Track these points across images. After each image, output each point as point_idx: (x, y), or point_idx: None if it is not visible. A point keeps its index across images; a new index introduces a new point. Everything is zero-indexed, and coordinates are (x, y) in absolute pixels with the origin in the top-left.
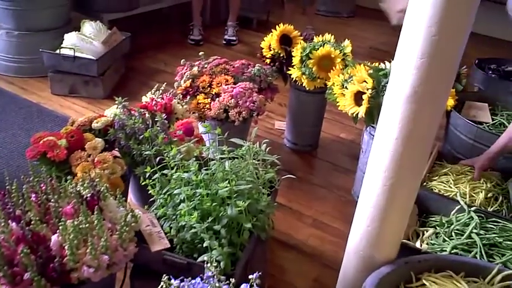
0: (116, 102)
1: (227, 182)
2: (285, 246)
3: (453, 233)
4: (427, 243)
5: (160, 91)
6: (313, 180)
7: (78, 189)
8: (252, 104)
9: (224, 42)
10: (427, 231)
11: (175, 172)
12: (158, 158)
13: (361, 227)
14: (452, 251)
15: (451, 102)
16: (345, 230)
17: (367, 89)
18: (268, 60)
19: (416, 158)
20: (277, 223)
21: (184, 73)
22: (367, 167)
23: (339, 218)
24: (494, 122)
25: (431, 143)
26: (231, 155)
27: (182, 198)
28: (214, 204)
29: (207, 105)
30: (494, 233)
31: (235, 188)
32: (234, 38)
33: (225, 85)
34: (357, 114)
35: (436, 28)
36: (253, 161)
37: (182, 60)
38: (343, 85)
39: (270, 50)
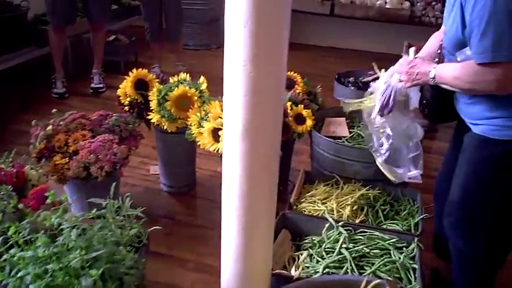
0: None
1: (78, 251)
2: None
3: (324, 252)
4: (302, 268)
5: (11, 158)
6: (193, 221)
7: None
8: (113, 157)
9: (91, 91)
10: (302, 255)
11: (22, 250)
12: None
13: (229, 265)
14: (325, 271)
15: (309, 122)
16: None
17: (222, 125)
18: (126, 108)
19: (262, 192)
20: (159, 275)
21: (38, 134)
22: (222, 205)
23: None
24: (351, 134)
25: (275, 175)
26: (91, 216)
27: (30, 279)
28: (67, 278)
29: (66, 166)
30: (362, 244)
31: (86, 257)
32: (101, 86)
33: (83, 141)
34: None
35: (250, 65)
36: (118, 217)
37: (33, 121)
38: (200, 123)
39: (127, 97)
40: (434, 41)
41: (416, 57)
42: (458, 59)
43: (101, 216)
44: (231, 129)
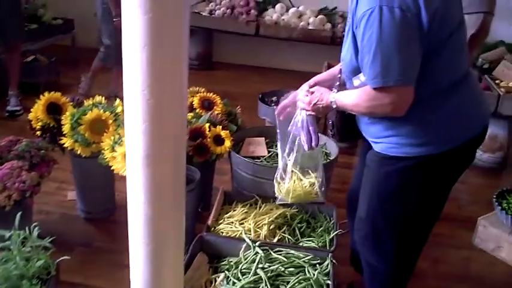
0: None
1: None
2: None
3: (240, 274)
4: None
5: None
6: (112, 247)
7: None
8: (22, 185)
9: (7, 114)
10: (218, 278)
11: None
12: None
13: None
14: None
15: (228, 143)
16: None
17: None
18: (38, 132)
19: (168, 219)
20: None
21: None
22: (129, 233)
23: None
24: (270, 154)
25: (181, 201)
26: None
27: None
28: None
29: None
30: (279, 263)
31: None
32: (18, 108)
33: None
34: None
35: (148, 91)
36: (24, 248)
37: None
38: (113, 147)
39: (39, 121)
40: (337, 66)
41: (312, 89)
42: (355, 84)
43: (5, 248)
44: (133, 155)
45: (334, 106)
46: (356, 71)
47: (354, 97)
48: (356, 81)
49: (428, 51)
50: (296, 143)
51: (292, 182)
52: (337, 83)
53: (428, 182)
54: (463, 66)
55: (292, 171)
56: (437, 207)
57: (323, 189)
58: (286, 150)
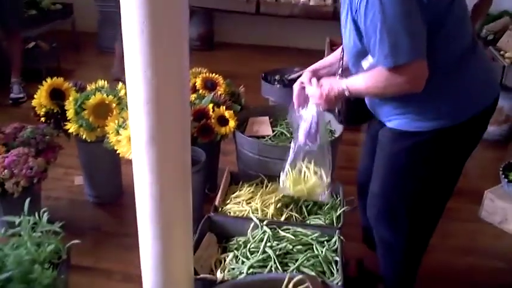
0: None
1: None
2: None
3: (249, 253)
4: (228, 270)
5: None
6: (120, 231)
7: None
8: (29, 171)
9: (11, 101)
10: (227, 257)
11: None
12: None
13: (149, 274)
14: (249, 271)
15: (232, 123)
16: None
17: None
18: (43, 119)
19: (175, 198)
20: None
21: None
22: (137, 213)
23: None
24: (275, 133)
25: (187, 180)
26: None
27: None
28: None
29: None
30: (286, 241)
31: None
32: (21, 95)
33: None
34: None
35: (151, 72)
36: (35, 234)
37: None
38: (117, 131)
39: (43, 107)
40: (332, 54)
41: (321, 82)
42: (364, 67)
43: (16, 234)
44: (137, 137)
45: (347, 93)
46: (362, 54)
47: (368, 80)
48: (365, 64)
49: (432, 23)
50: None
51: (297, 177)
52: (340, 69)
53: (441, 156)
54: (467, 35)
55: (297, 166)
56: (451, 182)
57: (329, 190)
58: (294, 145)
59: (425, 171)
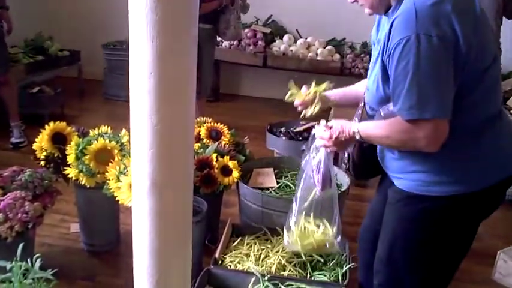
0: None
1: None
2: None
3: None
4: None
5: None
6: (115, 282)
7: None
8: (25, 215)
9: (11, 146)
10: None
11: None
12: None
13: None
14: None
15: (235, 174)
16: None
17: None
18: (42, 163)
19: (174, 250)
20: None
21: None
22: (134, 265)
23: None
24: (279, 185)
25: (188, 231)
26: None
27: None
28: None
29: None
30: None
31: None
32: (22, 140)
33: None
34: None
35: (156, 118)
36: (26, 281)
37: None
38: (118, 178)
39: (43, 151)
40: (355, 89)
41: (329, 123)
42: (382, 114)
43: (6, 280)
44: (139, 182)
45: (358, 137)
46: (383, 101)
47: (383, 128)
48: (384, 111)
49: (465, 84)
50: (309, 187)
51: (303, 230)
52: (359, 112)
53: (457, 224)
54: (497, 103)
55: (303, 218)
56: (465, 248)
57: (339, 239)
58: (299, 195)
59: (438, 238)
